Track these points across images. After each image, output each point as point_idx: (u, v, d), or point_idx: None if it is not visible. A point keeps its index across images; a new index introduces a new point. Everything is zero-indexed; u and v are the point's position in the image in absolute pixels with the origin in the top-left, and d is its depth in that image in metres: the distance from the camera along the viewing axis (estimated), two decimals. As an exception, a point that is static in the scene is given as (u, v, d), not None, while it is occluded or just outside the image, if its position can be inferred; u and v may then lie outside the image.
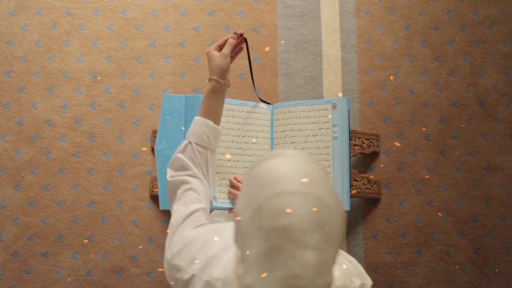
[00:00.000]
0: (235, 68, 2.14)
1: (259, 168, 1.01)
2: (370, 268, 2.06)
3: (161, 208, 1.84)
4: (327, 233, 0.94)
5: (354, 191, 1.97)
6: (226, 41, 1.53)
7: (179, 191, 1.41)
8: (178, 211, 1.36)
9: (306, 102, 1.86)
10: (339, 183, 1.75)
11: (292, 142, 1.82)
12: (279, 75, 2.15)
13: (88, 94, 2.11)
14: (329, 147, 1.78)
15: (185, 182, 1.40)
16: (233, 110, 1.87)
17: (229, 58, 1.51)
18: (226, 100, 1.86)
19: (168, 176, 1.45)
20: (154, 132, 2.04)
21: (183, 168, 1.42)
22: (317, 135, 1.80)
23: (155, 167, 1.95)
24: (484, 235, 2.08)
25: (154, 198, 2.05)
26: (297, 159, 1.01)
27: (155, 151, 1.88)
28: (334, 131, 1.79)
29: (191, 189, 1.39)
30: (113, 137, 2.10)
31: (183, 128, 1.80)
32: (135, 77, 2.13)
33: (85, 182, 2.07)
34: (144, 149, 2.09)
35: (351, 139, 1.94)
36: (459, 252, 2.07)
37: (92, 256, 2.03)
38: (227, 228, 1.23)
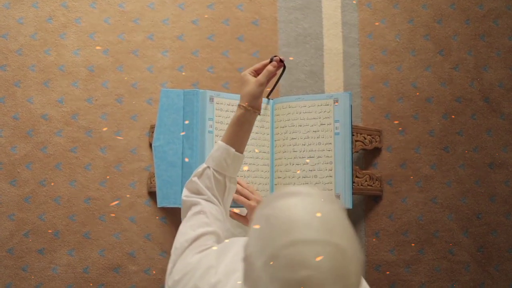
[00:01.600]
0: (236, 62, 2.08)
1: (273, 207, 0.95)
2: (372, 266, 2.01)
3: (158, 205, 1.80)
4: (346, 283, 0.88)
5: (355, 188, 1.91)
6: (264, 66, 1.45)
7: (189, 213, 1.36)
8: (184, 233, 1.30)
9: (307, 97, 1.80)
10: (341, 180, 1.70)
11: (292, 138, 1.77)
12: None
13: (85, 88, 2.06)
14: (330, 143, 1.72)
15: (196, 204, 1.36)
16: (232, 105, 1.82)
17: (264, 87, 1.43)
18: (225, 95, 1.81)
19: (182, 195, 1.40)
20: (152, 127, 1.98)
21: (198, 192, 1.38)
22: (318, 131, 1.74)
23: (153, 163, 1.90)
24: (488, 233, 2.03)
25: (152, 195, 2.00)
26: (314, 199, 0.95)
27: (152, 147, 1.83)
28: (336, 127, 1.73)
29: (201, 212, 1.33)
30: (110, 132, 2.04)
31: (186, 122, 1.75)
32: (133, 71, 2.07)
33: (82, 178, 2.02)
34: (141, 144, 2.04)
35: (353, 135, 1.89)
36: (463, 250, 2.02)
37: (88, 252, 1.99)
38: (234, 245, 1.17)
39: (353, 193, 1.75)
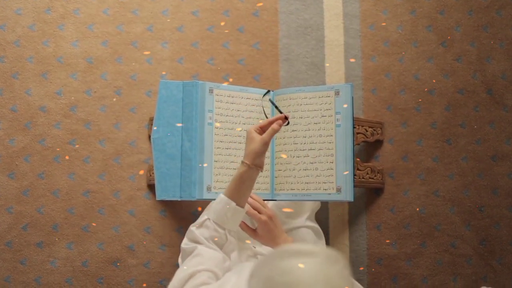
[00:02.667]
0: (235, 54, 2.04)
1: (273, 268, 0.90)
2: (373, 259, 1.98)
3: (157, 198, 1.76)
4: None
5: (357, 181, 1.88)
6: (270, 123, 1.44)
7: (188, 258, 1.36)
8: (178, 275, 1.29)
9: (308, 88, 1.76)
10: (342, 172, 1.66)
11: (293, 130, 1.73)
12: (280, 61, 2.05)
13: (83, 80, 2.02)
14: (332, 135, 1.68)
15: (194, 250, 1.36)
16: (232, 97, 1.78)
17: (268, 145, 1.42)
18: (225, 86, 1.77)
19: (182, 243, 1.41)
20: (151, 120, 1.94)
21: (196, 241, 1.38)
22: (319, 123, 1.70)
23: (152, 155, 1.86)
24: (491, 226, 1.99)
25: (151, 188, 1.97)
26: (317, 260, 0.91)
27: (151, 139, 1.79)
28: (337, 119, 1.69)
29: (198, 254, 1.34)
30: (109, 124, 2.00)
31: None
32: (132, 63, 2.03)
33: (81, 170, 1.99)
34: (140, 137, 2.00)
35: (354, 127, 1.85)
36: (465, 243, 1.98)
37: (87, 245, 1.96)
38: (233, 278, 1.16)
39: (354, 186, 1.70)
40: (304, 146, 1.70)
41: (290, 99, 1.75)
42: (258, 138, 1.42)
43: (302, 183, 1.66)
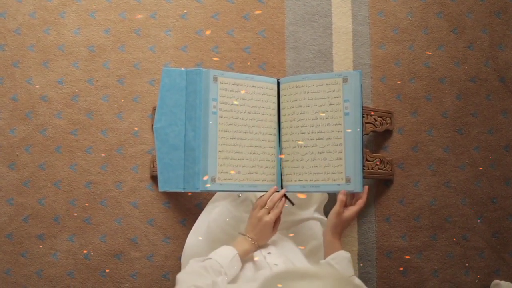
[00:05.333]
0: (241, 42, 1.94)
1: None
2: (382, 253, 1.88)
3: (160, 189, 1.66)
4: None
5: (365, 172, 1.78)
6: (279, 210, 1.49)
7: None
8: None
9: (315, 76, 1.65)
10: (351, 163, 1.55)
11: (300, 119, 1.62)
12: (286, 49, 1.95)
13: (86, 69, 1.92)
14: (340, 124, 1.57)
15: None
16: (238, 85, 1.67)
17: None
18: (230, 74, 1.67)
19: (177, 275, 1.36)
20: (155, 109, 1.85)
21: (194, 274, 1.34)
22: (327, 111, 1.59)
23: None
24: (503, 218, 1.89)
25: (155, 179, 1.87)
26: (324, 283, 0.85)
27: (154, 129, 1.69)
28: (346, 107, 1.58)
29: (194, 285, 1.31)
30: (111, 114, 1.91)
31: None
32: (135, 51, 1.93)
33: (83, 161, 1.89)
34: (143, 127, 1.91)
35: (363, 117, 1.74)
36: (477, 236, 1.88)
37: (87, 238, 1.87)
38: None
39: (363, 177, 1.60)
40: (311, 136, 1.59)
41: (297, 87, 1.64)
42: (271, 229, 1.47)
43: (311, 173, 1.56)
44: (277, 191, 1.56)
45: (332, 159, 1.55)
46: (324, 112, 1.58)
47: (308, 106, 1.62)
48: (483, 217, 1.89)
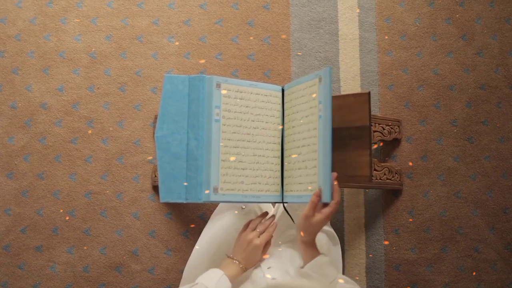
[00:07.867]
0: (245, 49, 1.85)
1: None
2: (392, 265, 1.77)
3: (161, 200, 1.56)
4: None
5: (374, 182, 1.67)
6: (269, 234, 1.41)
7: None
8: None
9: (303, 79, 1.52)
10: (321, 171, 1.40)
11: (292, 127, 1.51)
12: (292, 56, 1.86)
13: (86, 76, 1.84)
14: (315, 129, 1.43)
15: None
16: (241, 92, 1.58)
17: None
18: (233, 80, 1.57)
19: None
20: (157, 117, 1.75)
21: None
22: (308, 116, 1.46)
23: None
24: (516, 230, 1.79)
25: (156, 189, 1.78)
26: None
27: (155, 137, 1.60)
28: (320, 109, 1.44)
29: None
30: (112, 122, 1.82)
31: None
32: (137, 58, 1.84)
33: (83, 171, 1.80)
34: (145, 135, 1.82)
35: (371, 125, 1.63)
36: (489, 247, 1.78)
37: (85, 248, 1.77)
38: None
39: (370, 187, 1.49)
40: (298, 143, 1.48)
41: (292, 93, 1.54)
42: (260, 252, 1.39)
43: (297, 183, 1.45)
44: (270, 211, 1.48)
45: (310, 167, 1.42)
46: (306, 117, 1.46)
47: (297, 112, 1.50)
48: (495, 228, 1.78)
